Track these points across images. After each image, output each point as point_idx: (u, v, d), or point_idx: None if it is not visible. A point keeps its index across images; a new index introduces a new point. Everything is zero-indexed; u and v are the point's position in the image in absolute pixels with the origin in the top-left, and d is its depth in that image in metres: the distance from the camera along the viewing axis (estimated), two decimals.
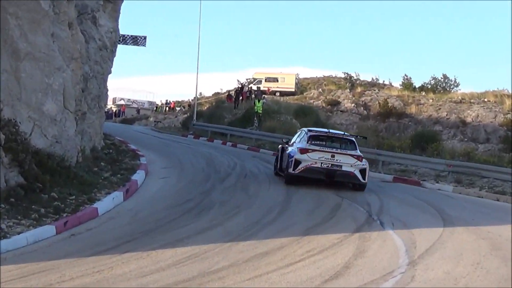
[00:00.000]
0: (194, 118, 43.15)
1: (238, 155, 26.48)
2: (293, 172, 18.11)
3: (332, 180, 18.14)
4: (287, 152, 18.99)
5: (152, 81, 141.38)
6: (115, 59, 21.47)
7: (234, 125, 38.72)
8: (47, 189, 11.33)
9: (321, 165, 18.05)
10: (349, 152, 18.43)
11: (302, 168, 18.02)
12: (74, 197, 11.68)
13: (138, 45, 33.63)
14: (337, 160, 18.14)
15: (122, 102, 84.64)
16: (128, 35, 33.23)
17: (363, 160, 18.56)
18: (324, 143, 18.92)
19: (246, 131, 36.08)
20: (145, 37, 33.63)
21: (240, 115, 41.50)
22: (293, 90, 59.55)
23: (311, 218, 12.64)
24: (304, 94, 57.60)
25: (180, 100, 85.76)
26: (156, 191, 14.68)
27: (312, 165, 18.03)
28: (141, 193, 14.13)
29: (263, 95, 45.26)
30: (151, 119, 62.82)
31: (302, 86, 67.71)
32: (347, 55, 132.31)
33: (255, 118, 37.85)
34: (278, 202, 14.51)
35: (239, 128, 36.99)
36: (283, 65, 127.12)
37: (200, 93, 78.68)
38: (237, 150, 30.09)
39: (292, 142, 19.92)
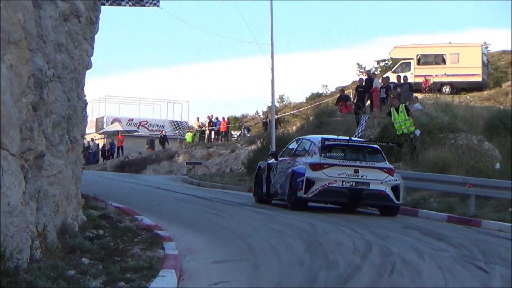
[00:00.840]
0: (272, 148, 27.76)
1: (370, 224, 16.50)
2: (305, 196, 16.50)
3: (357, 203, 16.75)
4: (292, 169, 16.92)
5: (177, 79, 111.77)
6: (97, 36, 14.86)
7: None
8: None
9: (342, 184, 16.30)
10: (376, 164, 16.59)
11: (318, 190, 16.30)
12: None
13: (145, 5, 22.67)
14: (362, 176, 16.39)
15: (116, 127, 56.98)
16: None
17: (395, 174, 16.80)
18: (343, 154, 16.92)
19: None
20: None
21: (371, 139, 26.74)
22: (479, 79, 37.16)
23: None
24: (503, 86, 36.92)
25: (239, 115, 61.19)
26: None
27: (331, 185, 16.29)
28: None
29: (413, 95, 29.81)
30: (180, 158, 44.75)
31: (496, 69, 42.24)
32: None
33: (403, 145, 21.84)
34: None
35: None
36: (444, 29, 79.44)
37: (281, 98, 58.42)
38: (366, 215, 18.81)
39: (286, 153, 18.07)
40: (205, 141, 50.78)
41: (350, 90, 38.28)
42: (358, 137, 22.90)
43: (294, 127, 39.47)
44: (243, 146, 41.96)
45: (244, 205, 20.86)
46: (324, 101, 46.91)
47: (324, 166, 16.58)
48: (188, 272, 11.17)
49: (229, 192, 26.65)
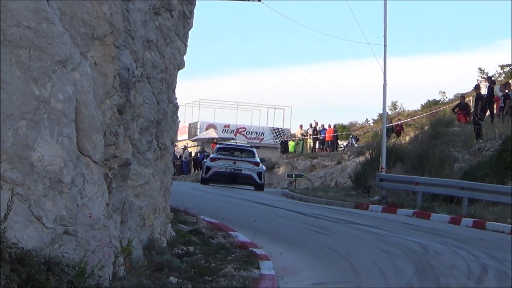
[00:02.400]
0: (383, 163, 28.87)
1: (489, 246, 17.43)
2: (206, 176, 30.29)
3: (235, 181, 28.94)
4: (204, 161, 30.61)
5: (279, 82, 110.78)
6: (191, 33, 15.11)
7: (477, 176, 24.77)
8: None
9: (225, 170, 29.79)
10: (248, 159, 30.36)
11: (212, 173, 29.75)
12: None
13: None
14: (238, 165, 29.68)
15: (210, 134, 57.80)
16: None
17: (260, 165, 30.69)
18: (229, 153, 31.21)
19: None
20: None
21: (491, 152, 26.76)
22: None
23: None
24: None
25: (347, 123, 61.00)
26: None
27: (219, 170, 29.76)
28: None
29: None
30: (281, 170, 46.00)
31: None
32: None
33: None
34: None
35: (490, 185, 23.40)
36: None
37: (394, 105, 57.61)
38: (485, 236, 19.82)
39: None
40: (308, 151, 50.69)
41: (470, 98, 37.83)
42: None
43: (407, 138, 39.10)
44: (350, 157, 41.84)
45: (350, 222, 21.07)
46: (441, 109, 46.02)
47: (216, 159, 30.51)
48: None
49: (334, 208, 26.74)
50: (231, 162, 30.48)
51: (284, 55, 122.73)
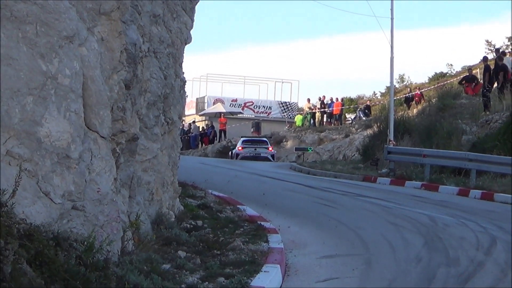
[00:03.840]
0: (390, 136, 28.89)
1: (497, 217, 17.28)
2: (236, 160, 42.43)
3: (257, 159, 41.25)
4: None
5: (286, 56, 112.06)
6: (197, 7, 15.10)
7: (485, 148, 24.74)
8: None
9: (249, 154, 42.87)
10: (264, 146, 43.85)
11: (240, 157, 42.74)
12: None
13: None
14: (257, 151, 43.28)
15: (218, 109, 58.10)
16: None
17: (272, 149, 44.30)
18: (251, 143, 44.60)
19: None
20: None
21: (499, 124, 26.37)
22: None
23: None
24: None
25: (354, 96, 61.01)
26: None
27: (245, 154, 42.83)
28: None
29: None
30: (289, 143, 47.09)
31: None
32: None
33: None
34: None
35: (498, 156, 23.48)
36: None
37: (401, 78, 57.75)
38: (493, 207, 19.64)
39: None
40: (316, 124, 50.62)
41: (478, 70, 37.71)
42: None
43: (414, 110, 39.01)
44: (358, 130, 41.78)
45: (358, 195, 21.11)
46: (448, 81, 45.78)
47: (242, 147, 43.54)
48: (294, 267, 11.54)
49: (342, 181, 26.84)
50: (252, 149, 43.48)
51: (291, 29, 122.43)
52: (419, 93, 43.56)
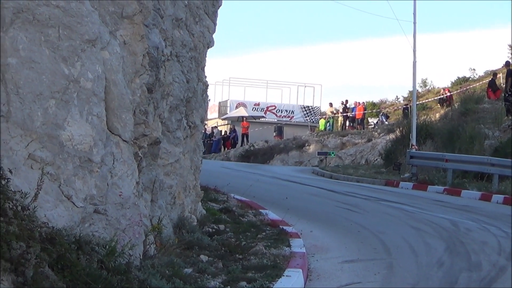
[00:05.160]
0: (413, 140, 28.65)
1: None
2: None
3: None
4: None
5: (309, 60, 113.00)
6: (220, 11, 15.00)
7: (507, 153, 24.44)
8: None
9: None
10: None
11: None
12: None
13: None
14: None
15: (240, 113, 56.77)
16: None
17: None
18: None
19: None
20: None
21: None
22: None
23: None
24: None
25: (377, 101, 60.56)
26: None
27: None
28: None
29: None
30: (311, 148, 44.86)
31: None
32: None
33: None
34: None
35: None
36: None
37: (424, 82, 56.98)
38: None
39: None
40: (338, 129, 50.45)
41: (500, 74, 37.55)
42: None
43: (437, 115, 38.91)
44: (381, 135, 41.53)
45: (380, 200, 21.09)
46: (471, 86, 45.71)
47: None
48: (316, 272, 11.43)
49: (364, 185, 26.79)
50: None
51: (314, 33, 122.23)
52: (450, 94, 43.46)
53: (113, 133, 9.10)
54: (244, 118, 55.63)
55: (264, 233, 13.91)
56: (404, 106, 47.29)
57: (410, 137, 28.86)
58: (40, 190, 7.63)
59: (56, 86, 8.03)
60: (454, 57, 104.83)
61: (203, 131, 16.80)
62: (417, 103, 35.12)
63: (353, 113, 50.34)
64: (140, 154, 10.12)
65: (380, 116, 51.27)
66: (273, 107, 60.21)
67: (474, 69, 56.32)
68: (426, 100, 47.58)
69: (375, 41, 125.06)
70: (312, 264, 11.95)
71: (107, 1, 9.25)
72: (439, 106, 43.29)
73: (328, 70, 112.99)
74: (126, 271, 8.29)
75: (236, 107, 58.91)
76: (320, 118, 56.42)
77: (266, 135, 53.18)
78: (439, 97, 45.27)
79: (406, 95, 55.26)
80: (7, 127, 7.79)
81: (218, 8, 15.37)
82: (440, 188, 24.32)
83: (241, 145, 52.73)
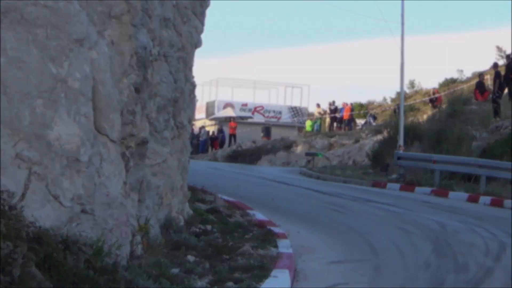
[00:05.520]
0: (400, 141, 28.72)
1: (507, 224, 17.13)
2: None
3: None
4: None
5: (296, 61, 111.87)
6: (208, 11, 15.08)
7: (495, 154, 24.48)
8: None
9: None
10: None
11: None
12: None
13: None
14: None
15: (228, 113, 56.98)
16: None
17: None
18: None
19: None
20: None
21: (509, 131, 26.48)
22: None
23: None
24: None
25: (364, 102, 61.17)
26: None
27: None
28: None
29: None
30: (299, 148, 44.85)
31: None
32: None
33: None
34: None
35: (508, 163, 23.16)
36: None
37: (412, 83, 57.21)
38: (503, 214, 19.51)
39: None
40: (325, 130, 50.46)
41: (488, 76, 37.74)
42: None
43: (425, 116, 38.87)
44: (368, 136, 41.45)
45: (368, 200, 21.05)
46: (459, 87, 45.91)
47: None
48: (303, 272, 11.45)
49: (352, 186, 26.60)
50: None
51: (301, 33, 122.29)
52: (439, 95, 43.61)
53: (100, 133, 9.12)
54: (232, 119, 55.57)
55: (251, 234, 13.91)
56: (395, 107, 47.50)
57: (398, 138, 28.82)
58: (28, 189, 7.63)
59: (43, 86, 8.04)
60: (442, 59, 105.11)
61: (190, 131, 16.78)
62: (405, 104, 35.13)
63: (340, 114, 50.41)
64: (127, 154, 10.13)
65: (367, 117, 51.36)
66: (261, 108, 60.11)
67: (462, 71, 56.56)
68: (414, 101, 47.73)
69: (362, 42, 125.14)
70: (299, 264, 11.95)
71: (95, 1, 9.26)
72: (430, 106, 43.44)
73: (316, 71, 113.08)
74: (113, 271, 8.33)
75: (224, 108, 58.80)
76: (307, 119, 56.42)
77: (253, 135, 53.10)
78: (429, 97, 45.45)
79: (394, 96, 55.44)
80: None
81: (206, 9, 15.37)
82: (428, 189, 24.25)
83: (229, 146, 52.62)
